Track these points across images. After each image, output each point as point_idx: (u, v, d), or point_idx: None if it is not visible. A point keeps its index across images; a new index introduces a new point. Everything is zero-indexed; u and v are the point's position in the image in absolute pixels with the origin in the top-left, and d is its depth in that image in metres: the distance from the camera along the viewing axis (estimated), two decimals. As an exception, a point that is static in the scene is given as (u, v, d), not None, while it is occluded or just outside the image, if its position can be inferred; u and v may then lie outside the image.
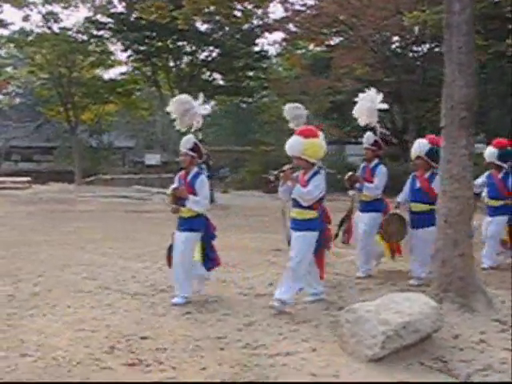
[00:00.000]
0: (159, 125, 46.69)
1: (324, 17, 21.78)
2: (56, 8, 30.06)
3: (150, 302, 6.26)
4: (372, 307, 4.61)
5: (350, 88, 26.44)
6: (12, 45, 33.10)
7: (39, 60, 30.35)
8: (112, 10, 30.05)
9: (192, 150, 6.43)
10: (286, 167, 6.19)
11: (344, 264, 8.40)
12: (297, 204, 5.99)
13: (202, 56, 31.72)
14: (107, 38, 31.02)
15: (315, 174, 6.05)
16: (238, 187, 27.95)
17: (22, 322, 5.55)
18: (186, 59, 31.80)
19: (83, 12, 50.66)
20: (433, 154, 6.97)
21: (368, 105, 7.63)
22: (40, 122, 43.69)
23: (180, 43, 30.77)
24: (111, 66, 32.99)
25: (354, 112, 7.85)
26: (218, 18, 26.17)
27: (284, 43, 28.66)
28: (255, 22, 27.89)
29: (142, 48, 30.47)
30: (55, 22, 30.73)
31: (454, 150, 5.75)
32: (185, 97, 6.94)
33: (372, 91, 7.71)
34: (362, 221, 7.57)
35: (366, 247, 7.57)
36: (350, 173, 7.74)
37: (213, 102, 36.90)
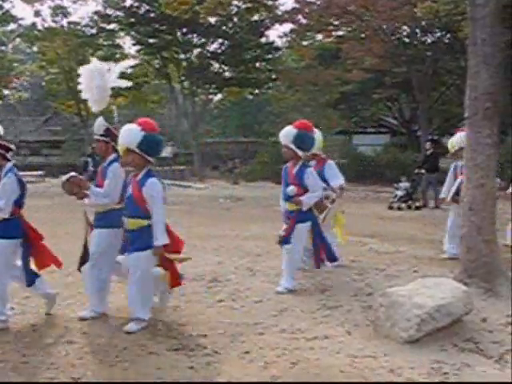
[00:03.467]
0: (168, 117, 46.88)
1: (334, 8, 21.85)
2: (65, 2, 30.28)
3: (183, 291, 6.45)
4: (405, 292, 4.80)
5: (359, 78, 26.60)
6: (20, 40, 33.32)
7: (50, 55, 30.48)
8: (122, 4, 30.15)
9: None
10: None
11: (366, 252, 8.58)
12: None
13: (212, 48, 31.89)
14: (117, 32, 31.17)
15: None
16: (248, 179, 28.09)
17: (63, 311, 5.74)
18: (195, 52, 31.95)
19: (91, 6, 50.85)
20: None
21: (97, 83, 5.84)
22: (48, 116, 43.92)
23: (189, 36, 30.93)
24: (121, 60, 33.10)
25: (83, 94, 5.92)
26: (229, 9, 26.23)
27: (293, 35, 28.70)
28: (265, 13, 27.94)
29: (151, 41, 30.61)
30: (64, 16, 30.91)
31: (478, 139, 5.92)
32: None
33: (97, 64, 6.06)
34: None
35: None
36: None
37: (220, 95, 37.12)
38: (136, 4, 30.03)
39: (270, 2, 25.79)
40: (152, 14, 29.33)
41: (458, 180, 7.93)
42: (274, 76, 32.55)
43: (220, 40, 31.49)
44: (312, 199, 6.37)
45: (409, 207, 15.39)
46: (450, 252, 8.13)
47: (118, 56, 32.60)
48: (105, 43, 31.92)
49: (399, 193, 15.78)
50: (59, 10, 30.47)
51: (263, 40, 31.83)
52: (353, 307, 5.66)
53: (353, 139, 35.66)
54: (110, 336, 4.96)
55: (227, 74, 33.79)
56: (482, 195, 5.98)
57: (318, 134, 7.04)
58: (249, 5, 26.10)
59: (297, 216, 6.35)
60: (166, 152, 36.63)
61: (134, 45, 31.94)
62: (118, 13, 30.42)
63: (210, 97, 36.42)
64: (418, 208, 15.36)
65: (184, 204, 16.95)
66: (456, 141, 8.16)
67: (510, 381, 3.99)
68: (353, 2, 21.16)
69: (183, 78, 32.66)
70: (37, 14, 30.39)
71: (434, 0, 18.28)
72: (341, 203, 7.47)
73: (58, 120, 42.82)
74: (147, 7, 29.58)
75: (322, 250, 6.47)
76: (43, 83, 38.10)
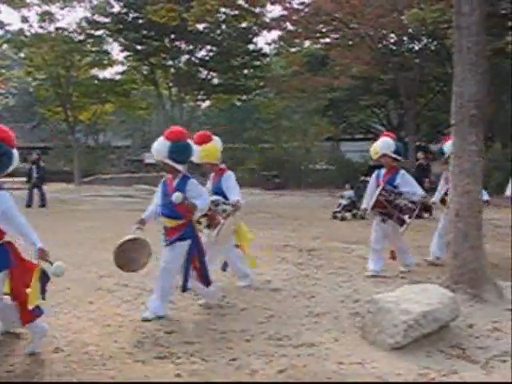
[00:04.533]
0: (155, 124, 46.82)
1: (322, 15, 21.96)
2: (53, 8, 30.16)
3: (170, 298, 6.42)
4: (392, 298, 4.82)
5: (347, 85, 26.74)
6: (7, 46, 33.17)
7: (37, 61, 30.36)
8: (109, 10, 30.13)
9: None
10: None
11: (353, 258, 8.60)
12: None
13: (200, 55, 31.96)
14: (105, 38, 31.13)
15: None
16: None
17: (48, 319, 5.69)
18: (183, 58, 31.99)
19: (79, 12, 50.79)
20: None
21: None
22: (35, 123, 43.73)
23: (177, 42, 30.97)
24: (109, 66, 33.07)
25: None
26: (217, 16, 26.31)
27: (281, 42, 28.81)
28: (252, 20, 28.03)
29: (139, 47, 30.61)
30: (52, 22, 30.79)
31: (464, 146, 5.96)
32: None
33: None
34: None
35: None
36: None
37: (208, 102, 37.14)
38: (124, 10, 30.07)
39: (257, 10, 25.86)
40: (140, 21, 29.34)
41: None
42: (261, 83, 32.66)
43: (208, 47, 31.59)
44: (203, 207, 5.64)
45: (353, 216, 14.69)
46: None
47: (105, 62, 32.61)
48: (92, 49, 31.87)
49: (343, 202, 14.98)
50: (46, 16, 30.32)
51: (251, 47, 31.95)
52: (340, 314, 5.67)
53: (340, 146, 35.83)
54: (96, 344, 4.93)
55: (215, 81, 33.89)
56: (469, 202, 6.02)
57: (214, 142, 6.77)
58: (236, 12, 26.15)
59: (175, 233, 5.64)
60: (154, 158, 36.71)
61: (121, 51, 31.98)
62: (106, 19, 30.41)
63: (198, 103, 36.45)
64: (363, 217, 13.68)
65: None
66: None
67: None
68: (340, 10, 21.28)
69: (171, 84, 32.69)
70: (24, 19, 30.26)
71: (420, 8, 18.44)
72: (238, 219, 6.67)
73: (45, 126, 42.66)
74: (135, 14, 29.60)
75: (196, 272, 5.73)
76: (30, 89, 37.94)
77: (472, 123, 5.90)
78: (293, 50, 30.69)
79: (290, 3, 23.45)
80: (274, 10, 47.23)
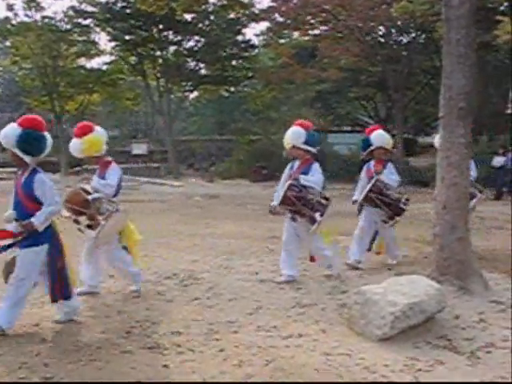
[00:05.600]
0: (143, 114, 46.61)
1: (311, 6, 21.93)
2: (39, -4, 29.84)
3: (157, 289, 6.42)
4: (379, 290, 4.83)
5: (335, 77, 26.77)
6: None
7: (23, 50, 30.05)
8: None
9: None
10: None
11: (340, 250, 8.61)
12: None
13: (188, 46, 31.79)
14: (92, 27, 30.88)
15: None
16: (223, 176, 28.07)
17: (35, 310, 5.66)
18: (171, 49, 31.83)
19: (66, 0, 50.30)
20: None
21: None
22: (21, 112, 43.31)
23: (166, 33, 30.79)
24: (96, 56, 32.82)
25: None
26: (205, 6, 26.22)
27: (270, 33, 28.77)
28: (241, 11, 27.96)
29: (127, 37, 30.40)
30: (37, 10, 30.48)
31: (452, 139, 5.98)
32: None
33: None
34: None
35: None
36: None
37: (196, 92, 37.03)
38: (112, 0, 29.79)
39: (246, 0, 25.79)
40: (128, 10, 29.16)
41: None
42: (250, 74, 32.59)
43: (196, 37, 31.45)
44: (44, 217, 4.88)
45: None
46: None
47: (92, 52, 32.34)
48: (79, 39, 31.59)
49: None
50: (32, 4, 30.00)
51: (240, 38, 31.85)
52: (327, 305, 5.68)
53: (328, 138, 35.88)
54: (83, 335, 4.91)
55: (203, 72, 33.76)
56: (456, 194, 6.04)
57: (96, 133, 6.17)
58: (225, 2, 26.06)
59: (25, 238, 4.91)
60: (141, 149, 36.57)
61: (109, 41, 31.76)
62: (94, 8, 30.14)
63: (186, 94, 36.32)
64: None
65: (158, 202, 16.89)
66: None
67: (481, 377, 4.04)
68: (329, 1, 21.29)
69: (159, 75, 32.50)
70: (9, 7, 29.93)
71: (409, 0, 18.46)
72: (124, 218, 6.14)
73: (31, 116, 42.20)
74: (123, 3, 29.41)
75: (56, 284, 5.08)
76: (16, 79, 37.56)
77: (460, 116, 5.92)
78: (281, 41, 30.68)
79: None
80: (263, 1, 47.36)
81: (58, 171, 30.95)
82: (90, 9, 30.17)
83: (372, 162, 7.79)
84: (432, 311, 4.79)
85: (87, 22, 30.61)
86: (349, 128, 34.94)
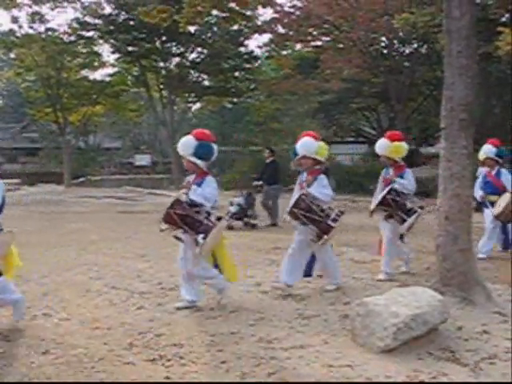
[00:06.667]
0: (146, 126, 46.74)
1: (313, 18, 22.04)
2: (43, 9, 30.06)
3: (160, 301, 6.41)
4: (381, 301, 4.82)
5: (337, 88, 26.85)
6: (-2, 46, 33.03)
7: (28, 62, 30.25)
8: (100, 12, 30.06)
9: None
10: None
11: (343, 261, 8.61)
12: None
13: (191, 57, 31.95)
14: (95, 39, 31.06)
15: None
16: (226, 187, 28.07)
17: (37, 321, 5.67)
18: (174, 60, 32.00)
19: (70, 13, 50.46)
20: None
21: None
22: (25, 124, 43.53)
23: (168, 44, 30.96)
24: (99, 67, 33.00)
25: None
26: (208, 18, 26.37)
27: (272, 45, 28.89)
28: (244, 23, 28.09)
29: (130, 49, 30.57)
30: (41, 22, 30.69)
31: (453, 150, 5.98)
32: None
33: None
34: None
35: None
36: None
37: (199, 104, 37.15)
38: (115, 12, 30.00)
39: (248, 12, 25.90)
40: (131, 22, 29.32)
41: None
42: (252, 85, 32.72)
43: (199, 49, 31.61)
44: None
45: (245, 224, 13.35)
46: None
47: (96, 64, 32.53)
48: (83, 51, 31.80)
49: (232, 209, 13.27)
50: (37, 17, 30.21)
51: (242, 49, 32.01)
52: (330, 316, 5.67)
53: (331, 149, 35.88)
54: (85, 346, 4.91)
55: (206, 83, 33.90)
56: (458, 205, 6.04)
57: None
58: (228, 14, 26.16)
59: None
60: (144, 160, 36.70)
61: (112, 53, 31.92)
62: (97, 20, 30.32)
63: (189, 105, 36.48)
64: (253, 226, 13.33)
65: (161, 213, 16.88)
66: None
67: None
68: (331, 13, 21.37)
69: (162, 86, 32.65)
70: (14, 20, 30.14)
71: (411, 12, 18.55)
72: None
73: (34, 127, 42.47)
74: (126, 15, 29.55)
75: None
76: (20, 90, 37.77)
77: (462, 127, 5.93)
78: (284, 52, 30.79)
79: (281, 6, 23.54)
80: (266, 13, 47.66)
81: (62, 183, 31.08)
82: (93, 21, 30.36)
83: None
84: (435, 322, 4.78)
85: (90, 33, 30.79)
86: (351, 139, 34.98)
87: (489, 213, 9.31)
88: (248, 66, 32.63)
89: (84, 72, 33.57)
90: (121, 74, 33.57)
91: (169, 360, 4.58)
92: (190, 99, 34.35)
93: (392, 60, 25.67)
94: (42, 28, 30.64)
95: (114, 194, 22.81)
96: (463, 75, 5.80)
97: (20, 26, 30.55)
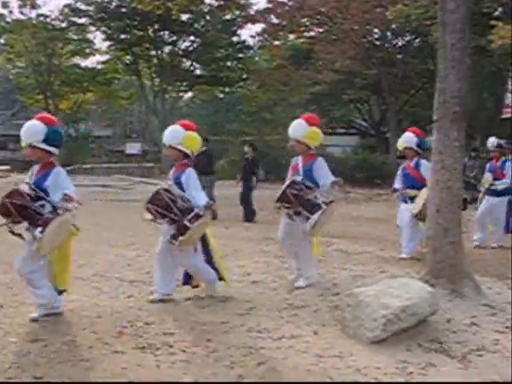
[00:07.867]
0: (137, 114, 46.49)
1: (306, 9, 21.97)
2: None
3: (149, 289, 6.39)
4: (372, 292, 4.83)
5: (330, 80, 26.81)
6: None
7: (18, 48, 29.97)
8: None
9: None
10: None
11: (334, 252, 8.63)
12: None
13: (183, 46, 31.80)
14: (87, 26, 30.82)
15: None
16: (217, 177, 28.00)
17: (26, 308, 5.64)
18: (166, 49, 31.81)
19: (61, -1, 50.05)
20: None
21: None
22: (15, 110, 43.13)
23: (161, 33, 30.77)
24: (91, 55, 32.76)
25: None
26: (201, 6, 26.24)
27: (265, 35, 28.80)
28: (237, 12, 27.99)
29: (122, 37, 30.38)
30: (32, 8, 30.39)
31: (445, 142, 5.98)
32: None
33: None
34: None
35: None
36: None
37: (190, 93, 37.00)
38: (107, -1, 29.77)
39: (242, 1, 25.82)
40: (123, 10, 29.11)
41: None
42: (245, 75, 32.62)
43: (192, 38, 31.46)
44: None
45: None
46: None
47: (87, 51, 32.29)
48: (75, 37, 31.57)
49: None
50: (28, 2, 29.90)
51: (235, 39, 31.88)
52: (320, 307, 5.68)
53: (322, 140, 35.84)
54: (74, 334, 4.89)
55: (198, 72, 33.76)
56: (449, 197, 6.04)
57: None
58: (221, 3, 26.09)
59: None
60: (135, 149, 36.48)
61: (104, 40, 31.68)
62: (89, 7, 30.06)
63: (181, 94, 36.27)
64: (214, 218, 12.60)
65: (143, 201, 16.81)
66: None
67: (472, 380, 4.05)
68: (325, 4, 21.32)
69: (154, 74, 32.48)
70: (4, 5, 29.85)
71: (405, 4, 18.53)
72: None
73: (25, 114, 42.08)
74: (118, 2, 29.33)
75: None
76: (10, 76, 37.43)
77: (454, 119, 5.92)
78: (277, 43, 30.68)
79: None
80: (259, 3, 47.55)
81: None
82: (85, 7, 30.10)
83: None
84: (424, 314, 4.80)
85: (82, 20, 30.58)
86: (343, 131, 34.97)
87: (404, 209, 8.33)
88: (240, 55, 32.52)
89: (75, 59, 33.34)
90: (112, 61, 33.32)
91: (158, 349, 4.57)
92: (182, 88, 34.20)
93: (385, 52, 25.66)
94: (32, 14, 30.37)
95: (105, 183, 22.67)
96: (456, 68, 5.79)
97: (10, 11, 30.29)
